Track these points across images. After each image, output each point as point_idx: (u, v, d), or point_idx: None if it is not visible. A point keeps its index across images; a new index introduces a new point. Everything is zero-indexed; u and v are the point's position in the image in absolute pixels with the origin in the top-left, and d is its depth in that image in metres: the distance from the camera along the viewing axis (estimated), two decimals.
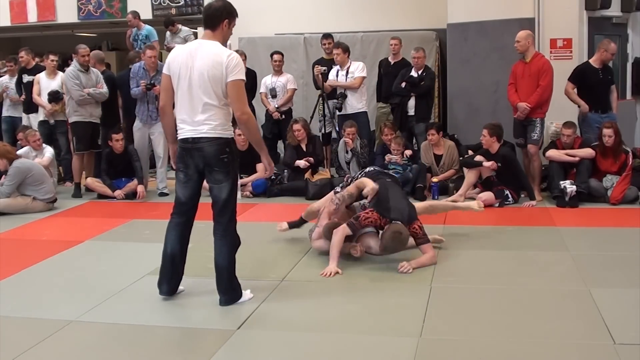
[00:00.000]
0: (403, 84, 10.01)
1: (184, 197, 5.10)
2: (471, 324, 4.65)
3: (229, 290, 5.04)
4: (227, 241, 5.02)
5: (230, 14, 4.97)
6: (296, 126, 9.61)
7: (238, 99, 4.79)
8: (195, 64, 4.79)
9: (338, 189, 6.71)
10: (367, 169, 6.84)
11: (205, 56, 4.78)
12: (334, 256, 5.92)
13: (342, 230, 5.99)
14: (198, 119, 4.81)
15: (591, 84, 9.07)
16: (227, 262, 5.00)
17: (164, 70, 5.00)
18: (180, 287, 5.30)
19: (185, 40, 12.04)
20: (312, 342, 4.44)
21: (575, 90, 9.12)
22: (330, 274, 5.77)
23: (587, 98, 9.12)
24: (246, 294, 5.15)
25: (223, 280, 5.03)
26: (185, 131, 4.88)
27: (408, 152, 9.36)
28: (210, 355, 4.20)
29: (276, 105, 10.49)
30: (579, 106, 9.16)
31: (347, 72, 9.97)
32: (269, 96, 10.55)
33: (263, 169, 9.41)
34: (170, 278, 5.19)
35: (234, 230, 5.08)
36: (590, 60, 9.26)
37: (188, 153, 4.92)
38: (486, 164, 8.55)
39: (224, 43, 4.96)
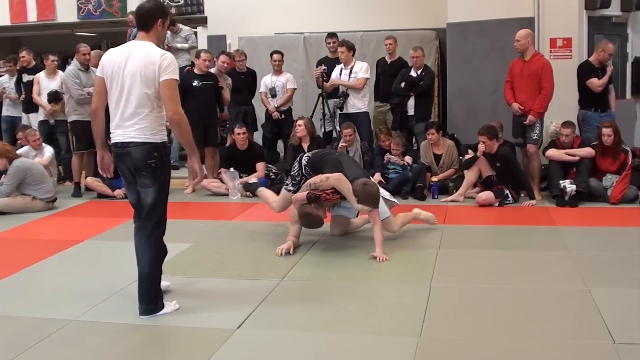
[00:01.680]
0: (402, 84, 10.00)
1: (133, 200, 4.94)
2: (471, 324, 4.65)
3: (145, 299, 4.86)
4: (151, 248, 4.83)
5: (163, 12, 4.83)
6: (299, 122, 9.59)
7: (170, 99, 4.64)
8: (128, 65, 4.68)
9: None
10: (305, 158, 6.90)
11: (138, 57, 4.68)
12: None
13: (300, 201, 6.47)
14: (128, 123, 4.72)
15: None
16: (147, 270, 4.84)
17: (98, 73, 4.90)
18: (166, 283, 5.22)
19: (186, 40, 12.06)
20: (311, 341, 4.44)
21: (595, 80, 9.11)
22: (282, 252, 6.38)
23: (588, 97, 9.13)
24: (169, 305, 4.97)
25: (142, 288, 4.86)
26: (116, 135, 4.79)
27: (409, 160, 9.31)
28: (209, 354, 4.20)
29: (276, 105, 10.49)
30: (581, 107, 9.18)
31: (351, 71, 9.96)
32: (269, 96, 10.55)
33: (263, 168, 9.50)
34: None
35: (160, 238, 4.88)
36: (590, 59, 9.27)
37: (119, 157, 4.84)
38: (480, 147, 8.53)
39: (158, 44, 4.85)
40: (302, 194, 6.50)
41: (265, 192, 7.58)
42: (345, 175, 6.38)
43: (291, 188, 6.80)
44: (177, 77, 4.69)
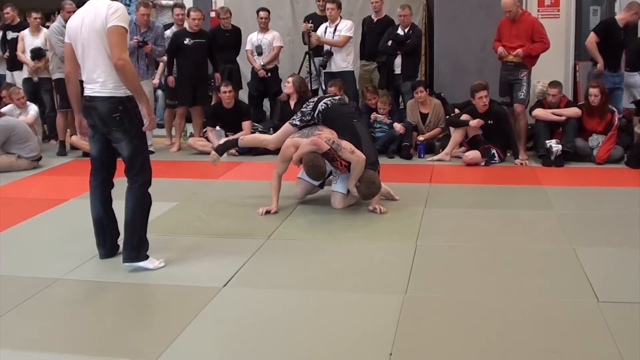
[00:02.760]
0: (389, 42, 9.93)
1: (94, 152, 5.07)
2: (456, 282, 4.68)
3: (128, 245, 4.92)
4: (134, 195, 4.91)
5: None
6: (288, 78, 9.54)
7: (115, 44, 4.69)
8: (84, 23, 4.78)
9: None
10: (324, 102, 6.73)
11: (91, 13, 4.77)
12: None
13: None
14: (92, 77, 4.82)
15: (614, 42, 8.99)
16: (130, 216, 4.92)
17: (65, 39, 5.03)
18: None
19: None
20: (298, 299, 4.46)
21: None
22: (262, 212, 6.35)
23: (605, 55, 8.98)
24: (152, 261, 4.98)
25: (126, 234, 4.95)
26: (86, 89, 4.90)
27: (398, 127, 9.21)
28: (196, 312, 4.21)
29: (262, 63, 10.40)
30: (594, 64, 9.11)
31: (335, 29, 9.89)
32: (255, 53, 10.47)
33: (249, 126, 9.45)
34: (104, 241, 5.19)
35: (143, 186, 4.94)
36: (617, 18, 9.16)
37: (87, 111, 4.94)
38: (472, 123, 8.54)
39: None
40: (324, 144, 6.31)
41: (248, 137, 7.20)
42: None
43: (297, 123, 6.72)
44: (124, 25, 4.73)
